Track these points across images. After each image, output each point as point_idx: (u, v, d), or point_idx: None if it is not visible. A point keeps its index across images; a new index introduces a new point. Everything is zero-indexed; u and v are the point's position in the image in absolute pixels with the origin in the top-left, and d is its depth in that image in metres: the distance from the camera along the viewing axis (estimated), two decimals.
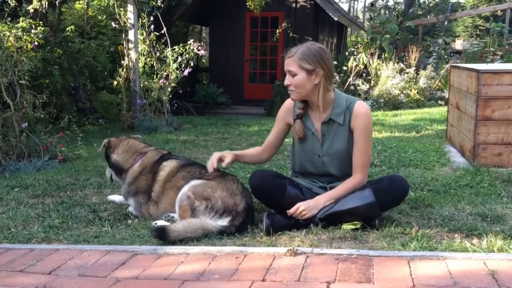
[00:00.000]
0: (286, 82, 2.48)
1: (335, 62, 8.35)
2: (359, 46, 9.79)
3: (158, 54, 6.98)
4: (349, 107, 2.51)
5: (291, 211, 2.42)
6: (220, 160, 2.58)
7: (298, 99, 2.52)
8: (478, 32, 17.78)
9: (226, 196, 2.48)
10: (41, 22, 6.63)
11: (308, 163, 2.59)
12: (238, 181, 2.64)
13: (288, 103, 2.69)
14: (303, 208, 2.41)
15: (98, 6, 9.24)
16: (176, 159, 2.88)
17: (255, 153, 2.77)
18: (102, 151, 2.95)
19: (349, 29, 15.22)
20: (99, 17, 9.20)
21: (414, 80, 9.56)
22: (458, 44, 15.53)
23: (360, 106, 2.51)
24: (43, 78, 7.15)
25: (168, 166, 2.79)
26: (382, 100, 8.97)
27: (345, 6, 27.87)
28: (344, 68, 8.80)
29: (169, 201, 2.68)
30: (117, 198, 3.13)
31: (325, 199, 2.45)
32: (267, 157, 2.78)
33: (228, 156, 2.59)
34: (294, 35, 10.22)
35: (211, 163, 2.57)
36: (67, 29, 8.03)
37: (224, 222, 2.42)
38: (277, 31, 10.40)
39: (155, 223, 2.56)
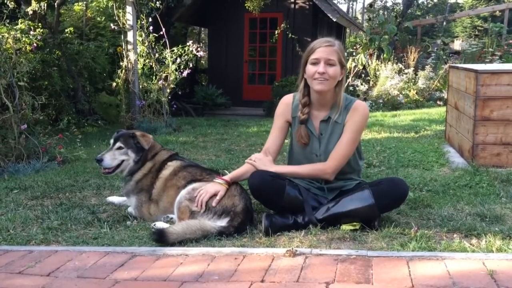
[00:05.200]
0: (321, 69, 2.39)
1: None
2: (358, 46, 9.79)
3: (157, 55, 6.98)
4: (348, 106, 2.52)
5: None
6: (214, 195, 2.49)
7: (327, 90, 2.44)
8: (476, 33, 17.78)
9: (224, 197, 2.49)
10: (39, 24, 6.63)
11: (305, 163, 2.58)
12: (237, 183, 2.65)
13: (286, 99, 2.66)
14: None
15: (97, 8, 9.23)
16: (181, 160, 2.92)
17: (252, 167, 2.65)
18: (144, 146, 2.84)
19: (348, 30, 15.22)
20: (98, 19, 9.20)
21: (413, 80, 9.57)
22: (457, 45, 15.55)
23: (359, 104, 2.52)
24: (42, 80, 7.14)
25: (172, 165, 2.82)
26: (381, 101, 8.98)
27: (343, 7, 27.87)
28: None
29: (169, 200, 2.69)
30: (116, 199, 3.13)
31: (281, 169, 2.54)
32: None
33: (222, 191, 2.51)
34: (293, 36, 10.23)
35: (201, 201, 2.47)
36: (66, 30, 8.03)
37: (223, 222, 2.42)
38: (276, 32, 10.40)
39: (154, 225, 2.56)
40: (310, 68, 2.44)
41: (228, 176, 2.62)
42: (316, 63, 2.42)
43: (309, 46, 2.50)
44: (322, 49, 2.42)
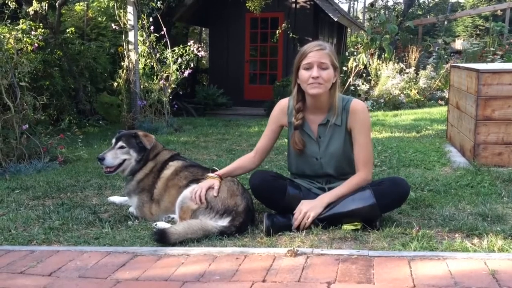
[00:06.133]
0: (315, 74, 2.38)
1: None
2: (359, 46, 9.79)
3: (158, 55, 6.98)
4: (346, 107, 2.51)
5: (295, 222, 2.38)
6: (210, 189, 2.52)
7: (322, 93, 2.43)
8: (478, 32, 17.77)
9: (226, 197, 2.49)
10: (41, 24, 6.64)
11: (305, 166, 2.59)
12: (239, 182, 2.65)
13: (282, 104, 2.66)
14: (305, 210, 2.39)
15: (98, 8, 9.24)
16: (183, 160, 2.93)
17: (245, 162, 2.70)
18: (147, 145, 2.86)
19: (349, 30, 15.22)
20: (99, 19, 9.21)
21: (414, 80, 9.56)
22: (458, 44, 15.52)
23: (356, 104, 2.51)
24: (43, 80, 7.15)
25: (173, 165, 2.83)
26: (382, 100, 8.97)
27: (345, 7, 27.89)
28: (344, 68, 8.81)
29: (170, 199, 2.70)
30: (117, 199, 3.13)
31: (329, 198, 2.43)
32: (258, 163, 2.74)
33: (216, 183, 2.53)
34: (294, 36, 10.23)
35: (199, 196, 2.48)
36: (67, 30, 8.03)
37: (224, 222, 2.42)
38: (277, 31, 10.41)
39: (156, 225, 2.57)
40: (303, 73, 2.43)
41: (220, 172, 2.64)
42: (309, 68, 2.41)
43: (300, 51, 2.48)
44: (314, 53, 2.41)
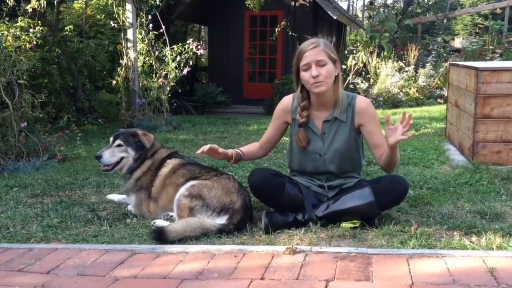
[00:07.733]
0: (314, 73, 2.38)
1: None
2: (358, 44, 9.76)
3: (157, 53, 6.97)
4: (351, 103, 2.51)
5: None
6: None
7: (326, 90, 2.43)
8: (477, 30, 17.77)
9: (221, 194, 2.49)
10: (39, 22, 6.64)
11: (307, 163, 2.58)
12: (235, 180, 2.65)
13: (286, 101, 2.67)
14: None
15: (97, 5, 9.22)
16: (181, 158, 2.93)
17: (252, 149, 2.76)
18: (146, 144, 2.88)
19: (348, 28, 15.21)
20: (98, 16, 9.19)
21: (413, 78, 9.57)
22: (457, 42, 15.52)
23: (362, 101, 2.51)
24: (42, 78, 7.14)
25: (171, 163, 2.83)
26: (381, 99, 8.97)
27: (344, 5, 27.85)
28: (343, 66, 8.80)
29: (168, 197, 2.69)
30: (116, 197, 3.13)
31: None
32: (263, 154, 2.79)
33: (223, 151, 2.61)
34: (293, 34, 10.22)
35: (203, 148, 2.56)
36: (65, 28, 8.02)
37: (222, 220, 2.42)
38: (276, 30, 10.40)
39: (154, 223, 2.56)
40: (304, 75, 2.44)
41: (235, 151, 2.68)
42: (307, 68, 2.42)
43: (296, 52, 2.49)
44: (309, 52, 2.41)
